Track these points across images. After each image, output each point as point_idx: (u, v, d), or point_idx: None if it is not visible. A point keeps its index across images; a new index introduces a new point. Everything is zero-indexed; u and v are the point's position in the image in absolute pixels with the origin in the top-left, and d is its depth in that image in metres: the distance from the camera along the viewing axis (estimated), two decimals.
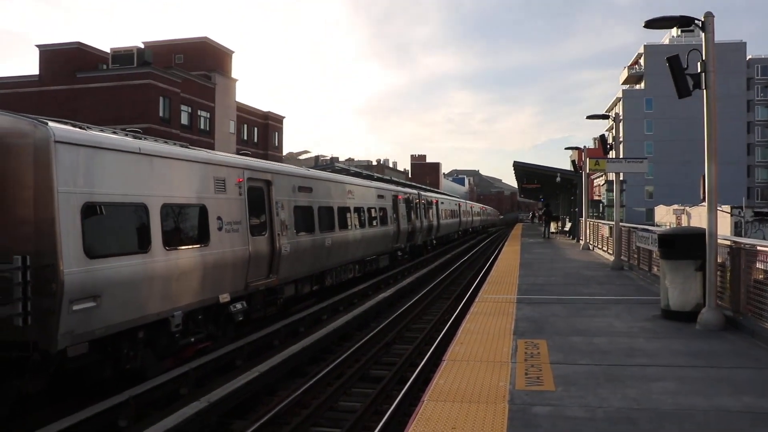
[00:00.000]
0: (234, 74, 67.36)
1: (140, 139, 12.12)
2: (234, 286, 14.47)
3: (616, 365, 8.21)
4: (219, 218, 13.83)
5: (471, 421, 6.15)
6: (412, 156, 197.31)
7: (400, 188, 36.00)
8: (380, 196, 29.22)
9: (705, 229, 10.86)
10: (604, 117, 22.22)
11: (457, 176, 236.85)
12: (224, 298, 13.97)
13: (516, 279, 18.03)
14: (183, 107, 56.05)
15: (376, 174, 48.81)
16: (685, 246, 11.26)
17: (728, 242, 10.97)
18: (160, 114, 52.02)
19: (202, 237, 13.14)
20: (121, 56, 53.27)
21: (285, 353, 14.24)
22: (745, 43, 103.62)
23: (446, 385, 7.38)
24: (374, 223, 27.39)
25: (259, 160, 18.73)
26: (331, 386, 12.71)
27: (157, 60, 56.03)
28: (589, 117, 22.47)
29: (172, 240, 12.07)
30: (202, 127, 59.89)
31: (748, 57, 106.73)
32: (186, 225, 12.91)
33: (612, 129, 21.55)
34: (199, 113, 59.24)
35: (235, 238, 14.48)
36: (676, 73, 10.91)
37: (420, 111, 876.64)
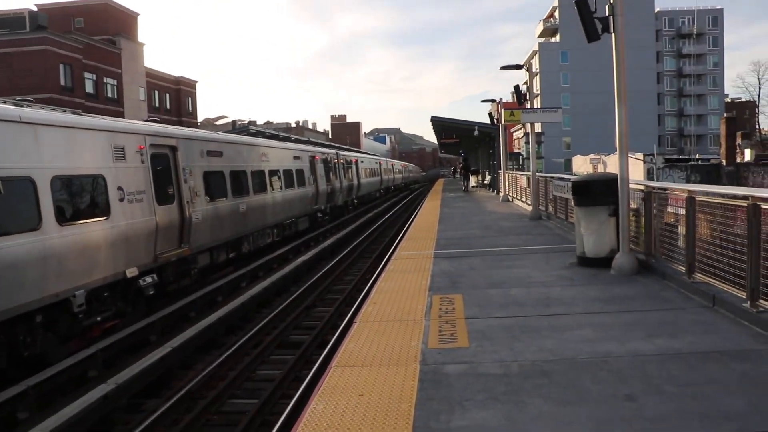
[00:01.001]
0: (141, 38, 64.49)
1: (22, 106, 11.18)
2: (142, 259, 13.84)
3: (532, 316, 8.03)
4: (120, 188, 13.12)
5: (380, 386, 5.82)
6: (332, 116, 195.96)
7: (317, 149, 35.35)
8: (296, 158, 28.55)
9: (617, 175, 10.80)
10: (518, 67, 22.13)
11: (378, 135, 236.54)
12: (131, 272, 13.35)
13: (435, 234, 17.84)
14: (87, 75, 53.18)
15: (293, 136, 47.98)
16: (598, 192, 11.18)
17: (640, 186, 10.93)
18: (62, 82, 49.19)
19: (101, 209, 12.42)
20: (11, 20, 49.30)
21: (200, 325, 13.73)
22: None
23: (356, 349, 7.04)
24: (291, 185, 26.77)
25: (162, 125, 17.85)
26: (249, 356, 12.33)
27: (53, 24, 52.62)
28: (504, 67, 22.37)
29: (67, 215, 11.31)
30: (109, 95, 57.22)
31: (656, 9, 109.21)
32: (82, 198, 12.13)
33: (527, 82, 21.56)
34: (105, 80, 56.48)
35: (140, 209, 13.81)
36: (585, 16, 10.70)
37: (340, 71, 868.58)
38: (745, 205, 7.16)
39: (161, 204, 14.75)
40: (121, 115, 52.26)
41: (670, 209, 9.87)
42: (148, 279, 14.09)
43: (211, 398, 9.87)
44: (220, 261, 19.01)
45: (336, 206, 37.23)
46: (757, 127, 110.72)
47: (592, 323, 7.53)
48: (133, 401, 10.01)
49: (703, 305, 8.09)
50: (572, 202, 14.37)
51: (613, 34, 10.45)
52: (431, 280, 10.85)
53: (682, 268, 9.17)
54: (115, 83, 57.83)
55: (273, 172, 24.44)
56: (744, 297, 7.35)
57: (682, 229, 9.36)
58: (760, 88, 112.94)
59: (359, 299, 14.89)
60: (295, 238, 27.27)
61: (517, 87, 22.03)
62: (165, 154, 15.58)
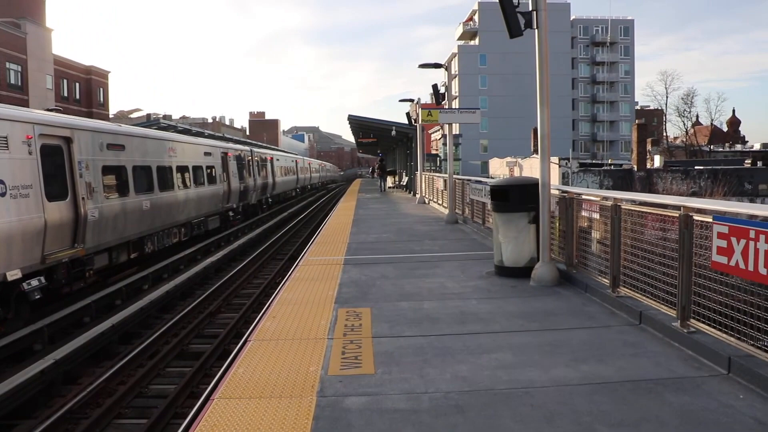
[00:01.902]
0: (50, 23, 61.14)
1: None
2: (26, 260, 12.55)
3: (446, 335, 7.23)
4: (1, 182, 11.83)
5: (267, 425, 4.88)
6: (250, 113, 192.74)
7: (230, 145, 33.98)
8: (207, 154, 27.21)
9: (538, 179, 10.18)
10: (438, 66, 21.49)
11: (296, 133, 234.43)
12: (13, 275, 12.07)
13: (346, 237, 16.97)
14: None
15: (207, 131, 46.19)
16: (518, 197, 10.51)
17: (562, 192, 10.32)
18: None
19: None
20: None
21: (90, 333, 12.56)
22: (569, 4, 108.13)
23: (246, 375, 6.06)
24: (201, 182, 25.48)
25: (56, 114, 16.42)
26: (142, 367, 11.26)
27: None
28: (422, 66, 21.69)
29: None
30: (12, 81, 53.90)
31: (572, 17, 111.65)
32: None
33: (445, 83, 20.90)
34: (7, 66, 53.24)
35: (25, 205, 12.51)
36: (507, 11, 10.02)
37: (261, 67, 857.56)
38: (677, 215, 6.56)
39: (52, 200, 13.52)
40: (25, 103, 49.33)
41: (593, 217, 9.30)
42: (34, 282, 12.81)
43: (94, 418, 8.84)
44: (121, 262, 17.78)
45: (249, 205, 35.95)
46: (664, 134, 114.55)
47: (511, 344, 6.78)
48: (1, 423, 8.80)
49: (630, 323, 7.47)
50: (490, 207, 13.79)
51: (536, 30, 9.81)
52: (339, 290, 9.95)
53: (606, 281, 8.57)
54: (19, 69, 54.48)
55: (181, 168, 23.14)
56: (673, 315, 6.75)
57: (603, 239, 8.80)
58: (667, 97, 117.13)
59: (267, 304, 13.94)
60: (205, 238, 26.06)
61: (435, 86, 21.38)
62: (58, 145, 14.32)
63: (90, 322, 14.06)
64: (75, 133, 14.95)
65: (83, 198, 14.83)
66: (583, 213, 9.62)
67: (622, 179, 56.43)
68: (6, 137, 12.15)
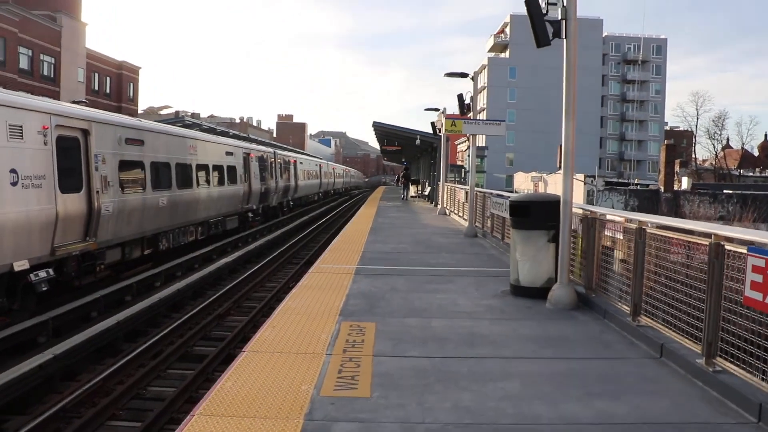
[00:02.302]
0: (85, 18, 61.63)
1: None
2: (34, 251, 12.32)
3: (452, 358, 6.78)
4: (13, 171, 11.60)
5: None
6: (278, 115, 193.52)
7: (253, 146, 33.79)
8: (229, 153, 26.98)
9: (559, 196, 9.72)
10: (464, 76, 21.06)
11: (323, 137, 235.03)
12: (20, 265, 11.82)
13: (362, 246, 16.56)
14: (21, 49, 50.44)
15: (232, 131, 46.13)
16: (538, 214, 10.03)
17: (583, 211, 9.82)
18: None
19: None
20: None
21: (95, 328, 12.35)
22: (602, 20, 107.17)
23: (233, 389, 5.67)
24: (221, 181, 25.25)
25: (76, 105, 16.27)
26: (143, 367, 10.95)
27: None
28: (448, 74, 21.26)
29: None
30: (45, 73, 54.41)
31: (604, 34, 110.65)
32: None
33: (472, 95, 20.45)
34: (41, 58, 53.74)
35: (36, 196, 12.29)
36: (535, 19, 9.58)
37: (293, 70, 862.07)
38: (707, 243, 6.06)
39: (65, 192, 13.28)
40: (57, 95, 49.75)
41: (616, 238, 8.81)
42: (42, 274, 12.55)
43: (86, 418, 8.50)
44: (134, 257, 17.55)
45: (269, 207, 35.69)
46: (693, 156, 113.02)
47: (521, 372, 6.31)
48: None
49: (650, 355, 6.96)
50: (507, 222, 13.33)
51: (564, 40, 9.36)
52: (346, 301, 9.53)
53: (626, 308, 8.06)
54: (53, 61, 54.99)
55: (201, 167, 22.94)
56: (698, 351, 6.23)
57: (625, 263, 8.31)
58: (698, 118, 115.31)
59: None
60: (223, 238, 25.81)
61: (460, 96, 20.92)
62: (75, 137, 14.12)
63: (97, 316, 13.83)
64: (93, 125, 14.78)
65: (98, 191, 14.64)
66: (606, 233, 9.13)
67: (648, 200, 55.48)
68: (21, 126, 12.01)
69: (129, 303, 14.99)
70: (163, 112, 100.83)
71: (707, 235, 6.06)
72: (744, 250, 5.38)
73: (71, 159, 13.90)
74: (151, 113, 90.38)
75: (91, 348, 11.59)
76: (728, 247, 5.82)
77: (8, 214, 11.41)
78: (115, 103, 68.18)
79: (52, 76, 55.20)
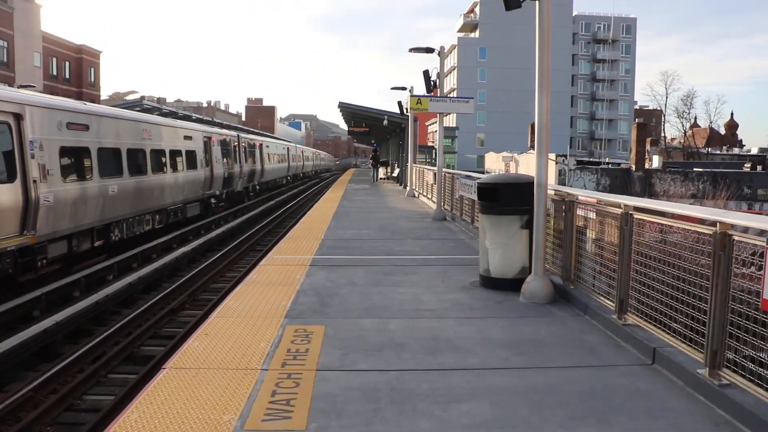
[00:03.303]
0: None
1: None
2: None
3: (410, 371, 5.73)
4: None
5: None
6: (248, 99, 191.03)
7: (215, 129, 32.43)
8: (187, 138, 25.65)
9: (533, 177, 8.72)
10: (429, 51, 19.87)
11: (294, 120, 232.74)
12: None
13: (323, 232, 15.46)
14: None
15: (195, 116, 44.63)
16: (509, 197, 8.98)
17: (560, 194, 8.81)
18: None
19: None
20: None
21: (32, 329, 11.21)
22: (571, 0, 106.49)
23: (139, 422, 4.58)
24: (179, 167, 23.97)
25: (7, 88, 15.03)
26: (82, 372, 9.88)
27: None
28: (413, 50, 20.10)
29: None
30: None
31: (574, 13, 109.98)
32: None
33: (439, 70, 19.21)
34: None
35: None
36: None
37: (262, 53, 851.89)
38: (710, 233, 5.08)
39: None
40: (11, 81, 47.92)
41: (595, 223, 7.84)
42: None
43: None
44: (83, 250, 16.32)
45: (234, 192, 34.38)
46: (663, 135, 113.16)
47: (490, 389, 5.28)
48: None
49: (641, 361, 5.96)
50: (477, 205, 12.35)
51: (537, 2, 8.31)
52: (295, 299, 8.44)
53: (611, 304, 7.07)
54: (5, 45, 53.05)
55: (156, 152, 21.65)
56: (700, 360, 5.26)
57: (607, 251, 7.33)
58: (667, 97, 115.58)
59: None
60: (184, 225, 24.56)
61: (426, 72, 19.75)
62: (5, 122, 12.96)
63: (40, 316, 12.67)
64: (26, 109, 13.55)
65: (35, 181, 13.47)
66: (582, 216, 8.15)
67: (620, 179, 55.01)
68: None
69: (76, 299, 13.86)
70: (129, 97, 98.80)
71: (711, 224, 5.06)
72: (761, 242, 4.38)
73: (2, 146, 12.72)
74: (117, 99, 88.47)
75: (23, 354, 10.44)
76: (737, 237, 4.84)
77: None
78: (75, 88, 66.33)
79: (5, 60, 53.29)
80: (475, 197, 14.01)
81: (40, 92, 29.66)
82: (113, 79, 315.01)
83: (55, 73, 64.45)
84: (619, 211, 6.82)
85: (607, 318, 6.99)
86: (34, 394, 8.94)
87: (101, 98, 73.11)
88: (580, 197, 8.28)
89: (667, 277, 5.85)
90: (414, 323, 7.32)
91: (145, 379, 8.67)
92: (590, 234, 8.06)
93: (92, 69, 72.67)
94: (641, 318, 6.41)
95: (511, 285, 8.93)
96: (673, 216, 5.89)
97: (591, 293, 7.78)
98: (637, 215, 6.46)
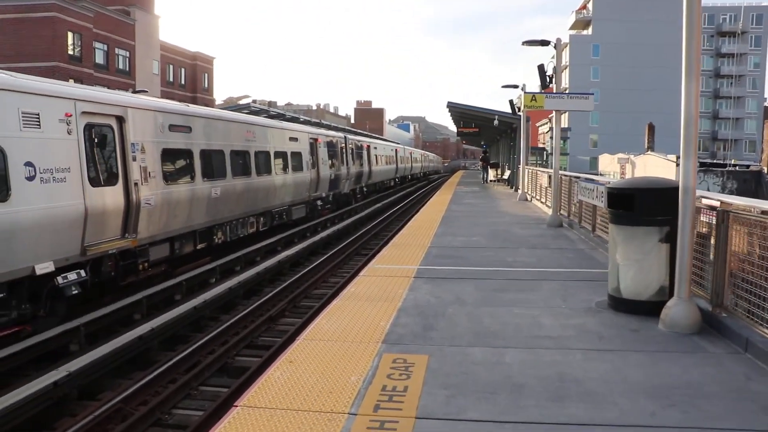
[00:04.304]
0: (158, 11, 62.18)
1: None
2: (60, 252, 10.97)
3: (532, 424, 4.58)
4: (29, 164, 10.25)
5: None
6: (357, 102, 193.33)
7: (321, 131, 32.06)
8: (293, 139, 25.29)
9: (674, 182, 7.38)
10: (544, 43, 18.41)
11: (402, 122, 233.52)
12: (43, 268, 10.49)
13: (430, 239, 14.43)
14: (97, 44, 51.01)
15: (303, 117, 44.68)
16: (648, 206, 7.62)
17: (711, 202, 7.39)
18: (70, 51, 46.88)
19: None
20: None
21: (126, 336, 10.81)
22: None
23: None
24: (284, 169, 23.60)
25: (108, 90, 14.91)
26: (174, 383, 9.40)
27: None
28: (526, 43, 18.71)
29: None
30: (120, 66, 54.99)
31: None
32: None
33: (555, 64, 17.82)
34: (116, 51, 54.17)
35: (60, 190, 10.92)
36: None
37: (373, 56, 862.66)
38: None
39: (96, 185, 11.94)
40: (132, 87, 50.07)
41: (757, 239, 6.44)
42: (72, 276, 11.21)
43: None
44: (186, 252, 16.10)
45: (341, 194, 33.95)
46: None
47: None
48: None
49: None
50: (605, 212, 10.99)
51: None
52: (395, 319, 7.43)
53: None
54: (128, 55, 55.60)
55: (260, 154, 21.33)
56: None
57: None
58: None
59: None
60: (290, 228, 24.19)
61: (541, 66, 18.29)
62: (107, 125, 12.75)
63: (141, 319, 12.45)
64: (129, 111, 13.40)
65: (136, 183, 13.28)
66: (743, 232, 6.75)
67: (750, 182, 51.24)
68: (37, 114, 10.65)
69: (177, 303, 13.54)
70: (243, 101, 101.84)
71: None
72: None
73: (103, 149, 12.55)
74: (230, 103, 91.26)
75: (116, 361, 10.03)
76: None
77: (24, 212, 10.06)
78: (190, 93, 68.71)
79: (127, 69, 55.74)
80: (599, 203, 12.65)
81: (158, 98, 30.23)
82: (227, 84, 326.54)
83: (171, 79, 67.01)
84: None
85: None
86: (123, 405, 8.54)
87: (216, 103, 75.29)
88: (738, 206, 6.85)
89: None
90: (534, 355, 6.16)
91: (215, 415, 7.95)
92: (739, 248, 6.67)
93: (206, 75, 75.12)
94: None
95: (646, 309, 7.61)
96: None
97: (753, 324, 6.36)
98: None
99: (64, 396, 8.64)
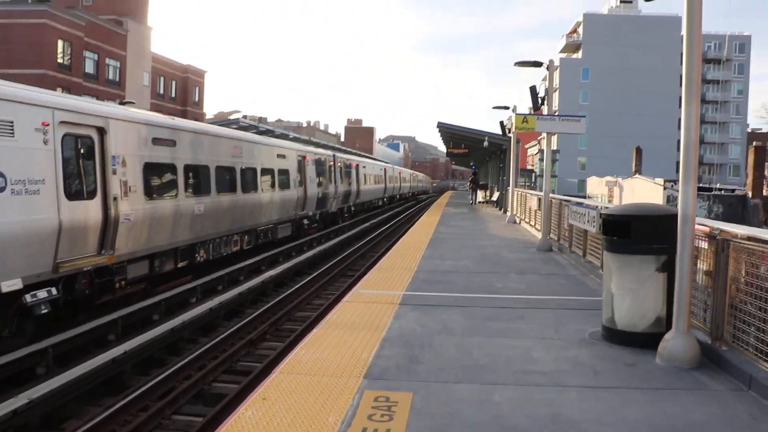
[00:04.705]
0: (151, 22, 61.94)
1: None
2: (30, 268, 10.51)
3: None
4: (0, 175, 9.83)
5: None
6: (348, 120, 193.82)
7: (309, 148, 31.75)
8: (281, 156, 24.96)
9: (671, 209, 7.06)
10: (536, 64, 18.26)
11: (392, 141, 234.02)
12: (9, 285, 10.03)
13: (417, 262, 14.05)
14: (87, 53, 50.61)
15: (292, 134, 44.38)
16: (644, 233, 7.27)
17: (709, 229, 7.05)
18: (59, 60, 46.46)
19: None
20: None
21: (98, 360, 10.33)
22: (680, 18, 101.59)
23: None
24: (271, 186, 23.25)
25: (88, 99, 14.52)
26: (145, 411, 8.93)
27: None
28: (518, 64, 18.48)
29: None
30: (110, 77, 54.59)
31: (682, 32, 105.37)
32: None
33: (547, 85, 17.77)
34: (107, 62, 53.73)
35: (33, 203, 10.50)
36: None
37: (362, 74, 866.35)
38: None
39: (73, 199, 11.55)
40: (121, 99, 49.56)
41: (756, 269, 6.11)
42: (42, 294, 10.78)
43: None
44: (166, 270, 15.70)
45: (328, 213, 33.55)
46: None
47: None
48: None
49: None
50: (598, 239, 10.65)
51: None
52: (379, 350, 7.02)
53: None
54: (118, 65, 55.26)
55: (247, 171, 20.98)
56: None
57: None
58: None
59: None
60: (275, 247, 23.76)
61: (533, 88, 18.13)
62: (87, 136, 12.37)
63: (115, 340, 12.00)
64: (111, 123, 13.04)
65: (116, 198, 12.86)
66: (744, 262, 6.41)
67: (734, 206, 51.21)
68: (11, 123, 10.26)
69: (154, 323, 13.16)
70: (233, 116, 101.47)
71: None
72: None
73: (81, 161, 12.16)
74: (220, 118, 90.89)
75: (87, 385, 9.58)
76: None
77: None
78: (180, 106, 68.40)
79: (117, 80, 55.36)
80: (591, 228, 12.32)
81: (148, 110, 29.79)
82: (219, 98, 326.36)
83: (162, 92, 66.70)
84: None
85: None
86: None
87: (206, 117, 74.98)
88: (737, 235, 6.52)
89: None
90: (525, 393, 5.76)
91: None
92: (738, 278, 6.34)
93: (197, 88, 74.84)
94: None
95: (641, 341, 7.25)
96: None
97: (756, 360, 6.01)
98: None
99: (23, 425, 8.19)
